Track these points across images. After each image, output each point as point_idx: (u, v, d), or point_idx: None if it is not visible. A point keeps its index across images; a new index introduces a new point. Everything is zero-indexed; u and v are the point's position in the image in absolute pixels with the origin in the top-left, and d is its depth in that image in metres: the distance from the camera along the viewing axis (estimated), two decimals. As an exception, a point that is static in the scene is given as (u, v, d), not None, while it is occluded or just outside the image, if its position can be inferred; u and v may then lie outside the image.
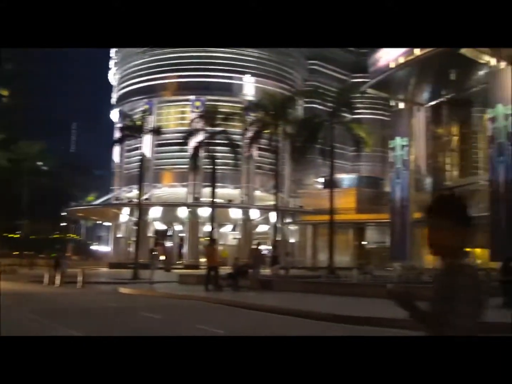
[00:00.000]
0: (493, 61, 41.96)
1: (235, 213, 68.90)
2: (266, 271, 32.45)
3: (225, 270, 31.78)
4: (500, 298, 19.80)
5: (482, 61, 43.09)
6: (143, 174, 49.19)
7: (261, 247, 35.78)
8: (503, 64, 41.48)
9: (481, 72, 46.50)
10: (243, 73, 74.83)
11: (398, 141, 54.08)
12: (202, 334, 13.58)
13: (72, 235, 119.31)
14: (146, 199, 64.03)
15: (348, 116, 48.73)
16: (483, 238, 42.87)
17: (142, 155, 51.26)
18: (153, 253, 39.53)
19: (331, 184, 43.53)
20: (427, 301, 3.08)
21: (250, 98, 68.51)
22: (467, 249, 3.06)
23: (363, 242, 71.70)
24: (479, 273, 3.00)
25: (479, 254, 47.38)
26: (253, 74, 75.19)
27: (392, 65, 49.79)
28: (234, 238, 74.35)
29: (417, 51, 46.04)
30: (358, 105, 61.11)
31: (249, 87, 75.06)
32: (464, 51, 40.47)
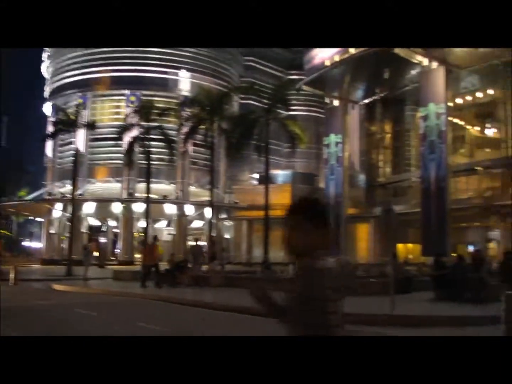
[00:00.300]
0: (425, 61, 42.90)
1: (170, 209, 68.41)
2: (204, 267, 32.46)
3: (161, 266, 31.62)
4: (432, 293, 20.38)
5: (415, 61, 43.98)
6: (76, 169, 48.38)
7: (200, 243, 35.82)
8: (435, 64, 42.49)
9: (414, 72, 47.49)
10: (179, 68, 74.31)
11: (333, 138, 54.80)
12: (141, 331, 13.56)
13: (3, 231, 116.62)
14: (80, 194, 63.01)
15: (283, 112, 48.98)
16: (415, 233, 43.87)
17: (76, 149, 50.39)
18: (86, 249, 38.95)
19: (266, 180, 43.72)
20: (285, 299, 3.18)
21: (186, 93, 68.27)
22: (324, 250, 3.18)
23: (297, 238, 72.02)
24: (334, 273, 3.10)
25: (411, 250, 48.48)
26: (188, 70, 74.74)
27: (327, 63, 50.44)
28: (169, 234, 73.93)
29: (352, 50, 46.69)
30: (293, 102, 61.31)
31: (185, 82, 74.63)
32: (397, 50, 41.20)
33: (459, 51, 41.86)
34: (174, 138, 50.01)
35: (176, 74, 74.73)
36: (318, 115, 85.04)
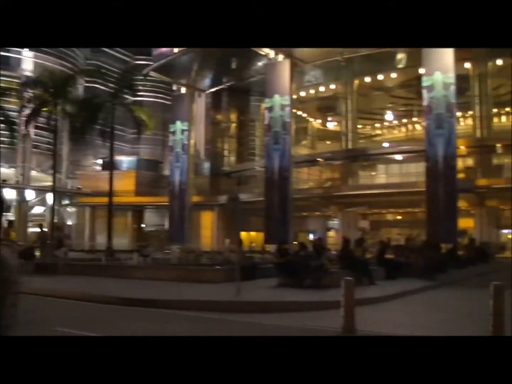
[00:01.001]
0: (272, 54, 43.74)
1: (9, 194, 66.00)
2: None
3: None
4: (275, 279, 20.94)
5: (262, 53, 44.70)
6: None
7: (45, 229, 34.74)
8: (281, 57, 43.41)
9: (261, 63, 48.32)
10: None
11: (179, 125, 54.75)
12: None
13: None
14: None
15: (130, 98, 48.45)
16: (258, 222, 44.80)
17: None
18: None
19: (110, 166, 43.22)
20: None
21: (29, 73, 65.91)
22: None
23: (142, 225, 71.67)
24: (9, 258, 3.01)
25: (254, 237, 49.50)
26: (32, 49, 72.28)
27: (176, 50, 50.25)
28: (7, 220, 71.29)
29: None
30: (140, 88, 60.94)
31: (28, 62, 72.09)
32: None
33: (304, 46, 43.10)
34: (15, 120, 48.05)
35: (19, 53, 71.95)
36: (165, 101, 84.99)
